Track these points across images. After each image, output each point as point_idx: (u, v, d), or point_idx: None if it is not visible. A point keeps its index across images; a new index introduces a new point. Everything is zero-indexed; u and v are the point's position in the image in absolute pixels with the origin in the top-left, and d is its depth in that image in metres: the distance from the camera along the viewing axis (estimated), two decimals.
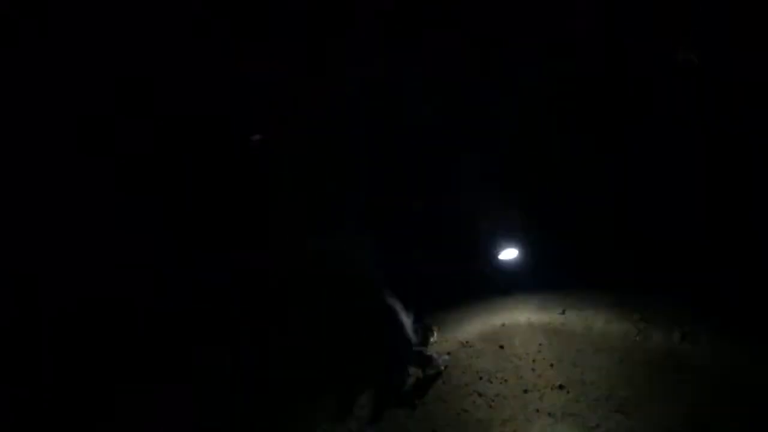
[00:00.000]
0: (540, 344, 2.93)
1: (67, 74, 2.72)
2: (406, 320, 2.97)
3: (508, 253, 3.52)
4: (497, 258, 3.51)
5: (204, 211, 2.90)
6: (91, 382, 2.76)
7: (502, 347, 3.02)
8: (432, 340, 3.02)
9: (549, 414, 2.51)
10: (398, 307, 3.02)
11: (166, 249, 3.21)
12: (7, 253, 2.86)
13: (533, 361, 2.86)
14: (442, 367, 2.89)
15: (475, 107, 3.19)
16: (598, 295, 3.02)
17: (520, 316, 3.10)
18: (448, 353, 2.99)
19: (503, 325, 3.10)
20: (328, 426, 2.59)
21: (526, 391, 2.67)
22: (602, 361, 2.64)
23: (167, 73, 2.81)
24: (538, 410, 2.56)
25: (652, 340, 2.68)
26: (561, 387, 2.65)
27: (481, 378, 2.80)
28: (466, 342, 3.13)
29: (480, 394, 2.67)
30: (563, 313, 3.01)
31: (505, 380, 2.77)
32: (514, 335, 3.01)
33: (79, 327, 2.95)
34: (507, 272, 3.49)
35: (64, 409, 2.58)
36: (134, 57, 2.73)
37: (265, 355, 3.00)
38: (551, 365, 2.79)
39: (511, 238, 3.51)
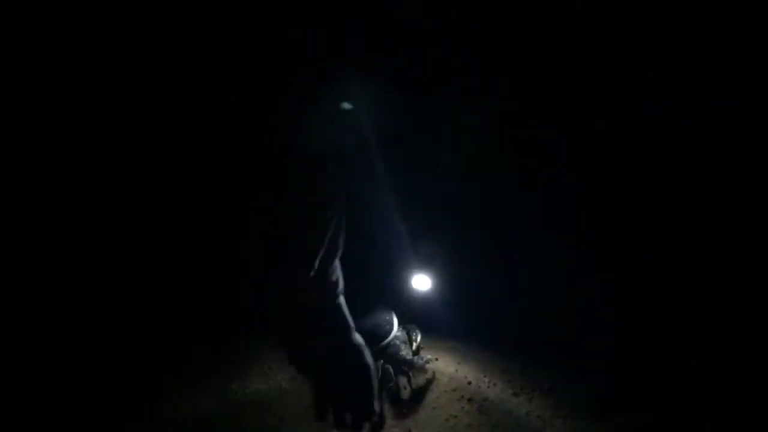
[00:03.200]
0: None
1: (67, 74, 2.81)
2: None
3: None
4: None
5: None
6: (91, 382, 2.77)
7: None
8: (419, 346, 2.87)
9: (538, 416, 2.50)
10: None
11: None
12: (7, 253, 2.88)
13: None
14: (431, 374, 2.80)
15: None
16: None
17: None
18: (436, 358, 2.93)
19: None
20: None
21: (515, 395, 2.65)
22: None
23: (167, 73, 2.86)
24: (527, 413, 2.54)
25: None
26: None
27: (470, 383, 2.76)
28: (453, 346, 3.06)
29: (469, 400, 2.64)
30: None
31: (494, 384, 2.74)
32: None
33: (80, 327, 2.95)
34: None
35: (63, 409, 2.59)
36: (134, 57, 2.79)
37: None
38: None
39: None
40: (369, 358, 2.40)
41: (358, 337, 2.36)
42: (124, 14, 2.67)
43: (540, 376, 2.72)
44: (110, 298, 3.19)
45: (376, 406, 2.39)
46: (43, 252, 3.10)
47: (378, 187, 2.71)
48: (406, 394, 2.71)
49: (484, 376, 2.78)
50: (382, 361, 2.73)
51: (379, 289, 3.03)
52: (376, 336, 2.72)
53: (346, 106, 2.43)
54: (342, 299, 2.30)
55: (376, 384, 2.38)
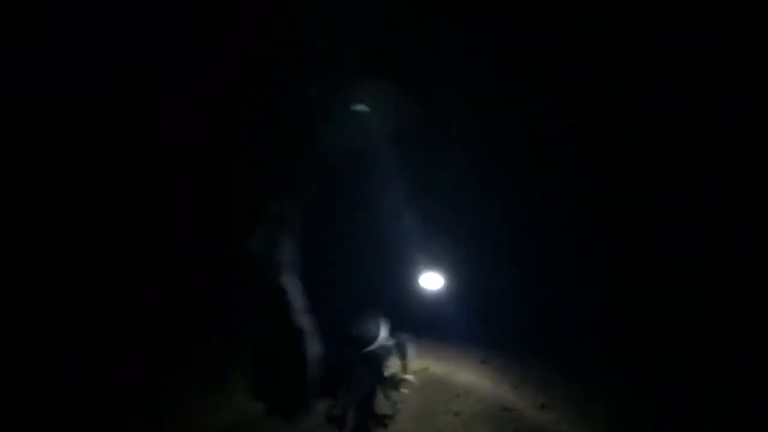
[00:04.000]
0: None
1: (67, 74, 2.79)
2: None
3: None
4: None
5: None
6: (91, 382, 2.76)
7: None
8: (408, 361, 2.73)
9: None
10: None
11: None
12: (7, 253, 2.87)
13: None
14: (414, 385, 2.67)
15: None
16: None
17: None
18: (425, 368, 2.82)
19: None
20: None
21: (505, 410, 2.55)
22: None
23: (167, 73, 2.84)
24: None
25: None
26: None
27: (458, 395, 2.65)
28: (448, 354, 2.95)
29: (456, 414, 2.54)
30: None
31: (485, 399, 2.63)
32: None
33: (80, 327, 2.94)
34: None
35: (63, 409, 2.58)
36: (134, 57, 2.77)
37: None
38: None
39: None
40: (313, 346, 2.29)
41: (304, 322, 2.29)
42: (123, 14, 2.67)
43: (534, 392, 2.61)
44: (109, 299, 3.19)
45: (310, 398, 2.32)
46: (43, 252, 3.10)
47: (386, 187, 2.66)
48: (387, 406, 2.58)
49: (476, 388, 2.67)
50: (361, 373, 2.60)
51: (376, 294, 2.85)
52: (360, 343, 2.62)
53: (360, 107, 2.42)
54: (294, 280, 2.28)
55: (313, 373, 2.27)
